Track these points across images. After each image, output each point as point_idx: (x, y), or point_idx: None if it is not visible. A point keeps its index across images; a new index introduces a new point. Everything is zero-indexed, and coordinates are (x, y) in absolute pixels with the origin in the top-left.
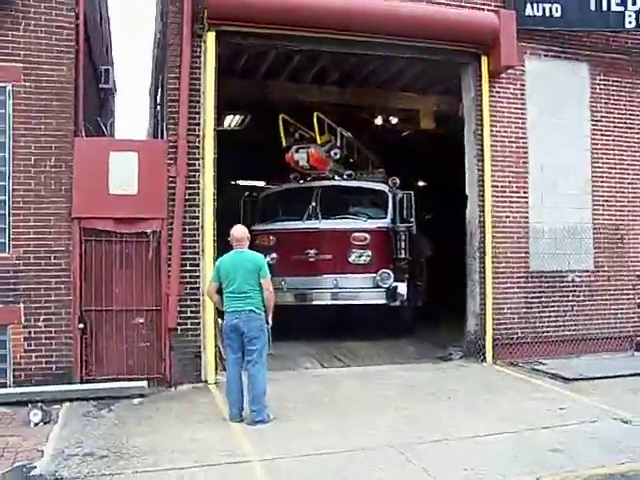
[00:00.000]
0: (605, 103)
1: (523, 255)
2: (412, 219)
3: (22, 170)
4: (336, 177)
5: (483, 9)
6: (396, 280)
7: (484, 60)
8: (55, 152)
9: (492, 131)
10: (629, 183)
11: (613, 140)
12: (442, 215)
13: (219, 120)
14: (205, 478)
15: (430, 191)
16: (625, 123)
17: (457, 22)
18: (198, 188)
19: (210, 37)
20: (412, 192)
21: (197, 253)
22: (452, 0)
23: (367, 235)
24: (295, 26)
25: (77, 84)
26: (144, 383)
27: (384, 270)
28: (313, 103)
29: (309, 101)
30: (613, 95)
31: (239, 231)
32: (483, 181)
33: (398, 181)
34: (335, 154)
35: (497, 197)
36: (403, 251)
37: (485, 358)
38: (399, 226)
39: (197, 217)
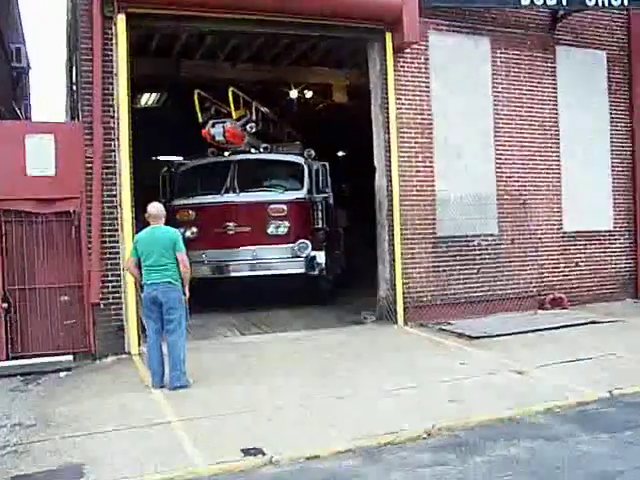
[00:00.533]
0: (506, 76)
1: (430, 222)
2: (328, 190)
3: None
4: (252, 150)
5: None
6: (314, 250)
7: (388, 36)
8: None
9: (397, 104)
10: (530, 151)
11: (513, 111)
12: (358, 185)
13: (134, 99)
14: (127, 439)
15: (347, 162)
16: (525, 95)
17: (362, 0)
18: (115, 167)
19: (120, 20)
20: (327, 163)
21: (116, 230)
22: None
23: (284, 206)
24: (204, 8)
25: None
26: (70, 357)
27: (302, 240)
28: (228, 80)
29: (224, 78)
30: (513, 68)
31: (155, 208)
32: (389, 152)
33: (313, 153)
34: (251, 128)
35: (404, 167)
36: (320, 221)
37: (396, 321)
38: (316, 197)
39: (115, 195)
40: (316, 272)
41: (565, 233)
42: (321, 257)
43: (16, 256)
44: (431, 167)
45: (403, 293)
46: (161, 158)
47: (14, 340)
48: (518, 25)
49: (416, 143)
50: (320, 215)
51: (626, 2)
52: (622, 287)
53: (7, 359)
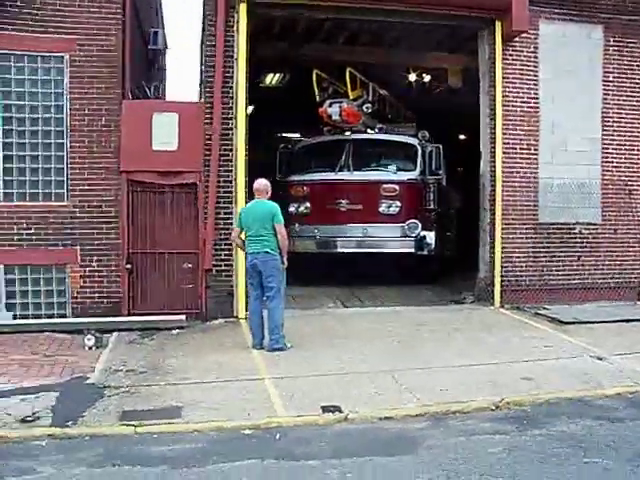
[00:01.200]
0: (619, 64)
1: (532, 207)
2: (441, 172)
3: (77, 129)
4: (368, 130)
5: None
6: (424, 230)
7: (498, 25)
8: (105, 113)
9: (504, 92)
10: (639, 142)
11: (624, 101)
12: (473, 169)
13: (259, 79)
14: (223, 390)
15: (463, 145)
16: (638, 84)
17: None
18: (231, 144)
19: (242, 8)
20: (440, 146)
21: (230, 203)
22: None
23: (396, 187)
24: None
25: (124, 52)
26: (182, 317)
27: (412, 220)
28: (347, 62)
29: (343, 60)
30: (626, 56)
31: (259, 183)
32: (494, 138)
33: (427, 134)
34: (367, 108)
35: (508, 153)
36: (432, 202)
37: (493, 302)
38: (428, 178)
39: (230, 170)
40: (425, 252)
41: None
42: (431, 237)
43: (140, 223)
44: (535, 154)
45: (501, 276)
46: (285, 135)
47: (135, 298)
48: (635, 11)
49: (521, 131)
50: (432, 196)
51: None
52: None
53: (129, 315)
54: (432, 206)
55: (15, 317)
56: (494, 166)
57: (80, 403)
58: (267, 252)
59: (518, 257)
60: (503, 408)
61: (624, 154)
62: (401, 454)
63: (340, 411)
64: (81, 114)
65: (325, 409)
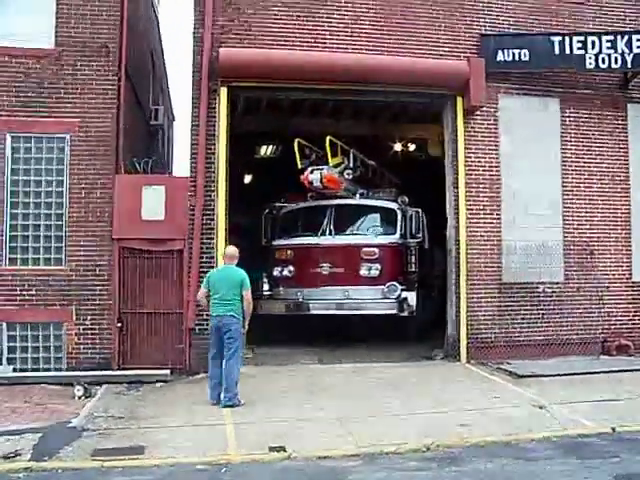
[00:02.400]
0: (575, 133)
1: (496, 269)
2: (420, 235)
3: (75, 201)
4: (350, 195)
5: (460, 57)
6: (406, 291)
7: (459, 100)
8: (100, 186)
9: (467, 161)
10: (598, 205)
11: (582, 167)
12: None
13: (255, 150)
14: (187, 432)
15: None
16: (594, 151)
17: (435, 70)
18: (213, 214)
19: (223, 92)
20: (420, 210)
21: (212, 267)
22: (433, 51)
23: (376, 250)
24: (294, 80)
25: (118, 133)
26: (167, 371)
27: (392, 283)
28: (333, 134)
29: (329, 132)
30: (582, 126)
31: (230, 250)
32: (458, 204)
33: (407, 199)
34: (348, 174)
35: (472, 219)
36: (413, 264)
37: (460, 358)
38: (409, 241)
39: (212, 238)
40: (405, 313)
41: (634, 282)
42: (412, 298)
43: (130, 285)
44: (498, 218)
45: (467, 333)
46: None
47: (125, 353)
48: (588, 86)
49: (484, 196)
50: (413, 259)
51: None
52: None
53: (118, 369)
54: (413, 268)
55: (15, 370)
56: (458, 230)
57: (59, 442)
58: (232, 316)
59: (483, 315)
60: (433, 450)
61: (584, 217)
62: None
63: (285, 450)
64: (79, 187)
65: (272, 449)
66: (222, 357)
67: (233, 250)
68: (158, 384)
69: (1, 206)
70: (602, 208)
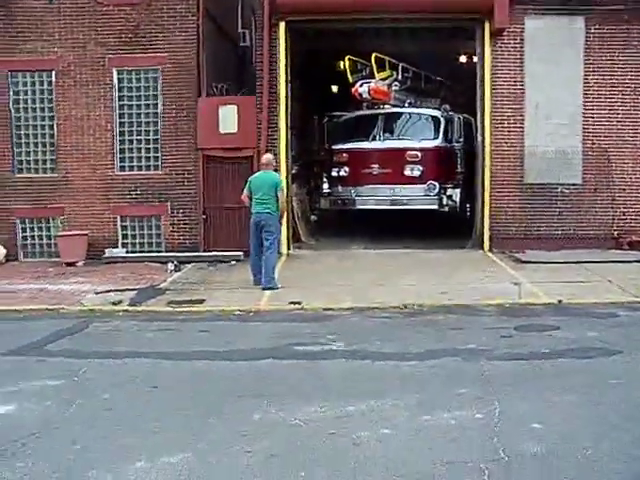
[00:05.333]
0: (599, 48)
1: (519, 171)
2: (461, 139)
3: (167, 119)
4: (399, 104)
5: None
6: (446, 189)
7: (487, 24)
8: (186, 107)
9: (493, 78)
10: (618, 114)
11: (604, 79)
12: None
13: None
14: (238, 292)
15: None
16: (618, 64)
17: None
18: (276, 129)
19: (281, 26)
20: (462, 117)
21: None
22: None
23: (419, 153)
24: (340, 13)
25: (199, 63)
26: (240, 253)
27: (431, 182)
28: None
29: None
30: (607, 41)
31: (266, 158)
32: (484, 116)
33: (449, 107)
34: (396, 86)
35: (497, 127)
36: (459, 166)
37: (483, 248)
38: (454, 145)
39: (276, 146)
40: (446, 209)
41: None
42: (456, 196)
43: (212, 185)
44: (521, 127)
45: (490, 227)
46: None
47: (208, 239)
48: (613, 2)
49: (508, 108)
50: (459, 161)
51: None
52: None
53: (204, 251)
54: (459, 169)
55: (127, 252)
56: (484, 138)
57: (148, 296)
58: (269, 213)
59: (505, 211)
60: (409, 307)
61: (605, 125)
62: (319, 322)
63: (299, 304)
64: (170, 108)
65: (291, 302)
66: (261, 248)
67: (268, 158)
68: (232, 262)
69: (112, 126)
70: (622, 118)
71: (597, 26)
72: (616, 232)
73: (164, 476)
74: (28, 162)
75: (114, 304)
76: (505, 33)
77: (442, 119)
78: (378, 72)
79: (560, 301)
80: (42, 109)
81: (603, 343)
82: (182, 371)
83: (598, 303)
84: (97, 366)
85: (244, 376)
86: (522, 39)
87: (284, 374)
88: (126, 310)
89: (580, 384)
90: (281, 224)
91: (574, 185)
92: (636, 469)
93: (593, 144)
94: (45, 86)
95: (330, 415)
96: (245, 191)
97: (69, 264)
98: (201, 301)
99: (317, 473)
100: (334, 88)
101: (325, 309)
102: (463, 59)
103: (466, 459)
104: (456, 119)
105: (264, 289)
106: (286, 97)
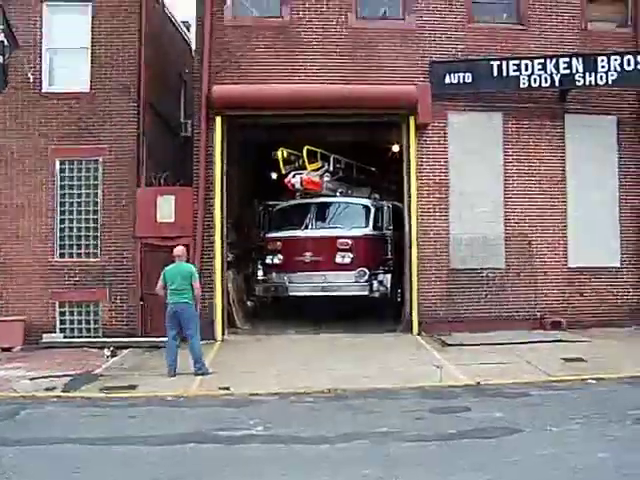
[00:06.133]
0: (516, 141)
1: (445, 257)
2: (391, 227)
3: (107, 208)
4: (331, 194)
5: (414, 81)
6: (375, 276)
7: (412, 118)
8: (125, 197)
9: (419, 169)
10: (537, 202)
11: (522, 169)
12: None
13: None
14: (169, 379)
15: None
16: (534, 156)
17: (388, 96)
18: (212, 218)
19: (218, 120)
20: (391, 205)
21: (212, 258)
22: (387, 78)
23: (349, 240)
24: (274, 109)
25: (139, 154)
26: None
27: (362, 268)
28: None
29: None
30: (523, 135)
31: (178, 250)
32: (410, 204)
33: (379, 196)
34: (327, 177)
35: (422, 215)
36: (389, 252)
37: (412, 331)
38: (384, 232)
39: (212, 235)
40: (376, 295)
41: (569, 268)
42: (387, 282)
43: (150, 273)
44: (446, 215)
45: (419, 311)
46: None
47: (145, 325)
48: (528, 100)
49: (434, 197)
50: (389, 247)
51: (610, 82)
52: (630, 315)
53: (140, 336)
54: (389, 255)
55: (65, 337)
56: (411, 225)
57: (82, 383)
58: (185, 302)
59: (433, 296)
60: (333, 392)
61: (524, 212)
62: (245, 407)
63: (228, 389)
64: (109, 198)
65: (220, 388)
66: (179, 338)
67: (181, 249)
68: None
69: (52, 213)
70: (540, 205)
71: (513, 121)
72: (539, 313)
73: None
74: None
75: (47, 390)
76: (430, 127)
77: (372, 207)
78: (310, 163)
79: (478, 383)
80: None
81: (508, 423)
82: (106, 456)
83: (514, 383)
84: (23, 452)
85: (165, 460)
86: (446, 132)
87: (201, 458)
88: (59, 396)
89: (479, 462)
90: (197, 311)
91: (498, 269)
92: None
93: (515, 230)
94: None
95: None
96: (160, 282)
97: (5, 349)
98: (134, 387)
99: None
100: (273, 175)
101: (252, 394)
102: (395, 148)
103: None
104: (386, 207)
105: (196, 374)
106: (221, 188)
